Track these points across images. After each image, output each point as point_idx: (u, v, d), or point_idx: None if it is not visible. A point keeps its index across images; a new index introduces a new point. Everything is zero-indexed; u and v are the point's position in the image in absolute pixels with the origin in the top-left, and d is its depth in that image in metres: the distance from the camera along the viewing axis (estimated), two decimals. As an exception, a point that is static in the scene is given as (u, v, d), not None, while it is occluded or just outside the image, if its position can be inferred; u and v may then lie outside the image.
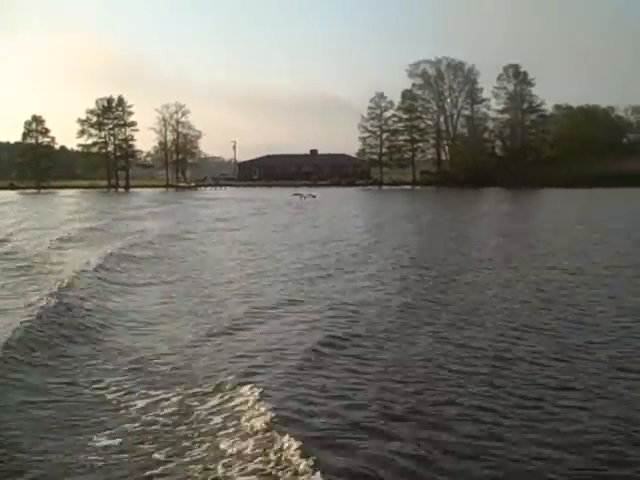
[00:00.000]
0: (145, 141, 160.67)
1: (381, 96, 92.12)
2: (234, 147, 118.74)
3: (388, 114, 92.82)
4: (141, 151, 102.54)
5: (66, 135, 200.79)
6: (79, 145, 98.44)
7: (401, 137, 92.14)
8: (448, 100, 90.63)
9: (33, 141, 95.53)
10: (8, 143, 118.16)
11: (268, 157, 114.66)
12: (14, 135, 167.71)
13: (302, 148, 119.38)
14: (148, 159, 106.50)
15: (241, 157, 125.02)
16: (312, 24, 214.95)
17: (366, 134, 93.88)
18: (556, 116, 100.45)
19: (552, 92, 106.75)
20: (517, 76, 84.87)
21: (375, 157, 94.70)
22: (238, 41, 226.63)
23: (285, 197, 53.49)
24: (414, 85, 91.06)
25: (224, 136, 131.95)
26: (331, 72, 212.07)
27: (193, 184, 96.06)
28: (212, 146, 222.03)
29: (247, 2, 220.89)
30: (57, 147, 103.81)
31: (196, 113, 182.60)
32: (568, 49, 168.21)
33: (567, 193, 59.05)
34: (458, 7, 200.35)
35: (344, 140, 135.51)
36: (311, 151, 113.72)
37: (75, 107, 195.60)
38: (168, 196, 68.13)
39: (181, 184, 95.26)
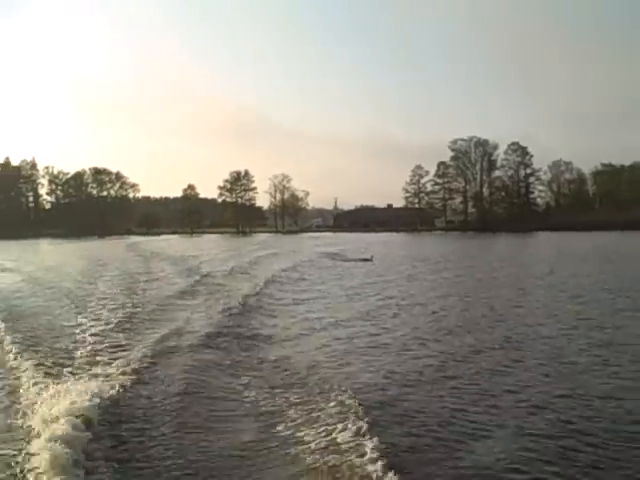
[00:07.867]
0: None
1: (419, 167, 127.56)
2: (335, 201, 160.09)
3: (425, 180, 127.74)
4: (261, 207, 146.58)
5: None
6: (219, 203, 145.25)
7: (435, 196, 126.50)
8: (477, 167, 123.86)
9: (188, 201, 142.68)
10: (167, 198, 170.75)
11: (356, 209, 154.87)
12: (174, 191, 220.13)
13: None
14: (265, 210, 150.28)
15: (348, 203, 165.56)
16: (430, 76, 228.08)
17: (407, 194, 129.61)
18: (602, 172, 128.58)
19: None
20: (517, 151, 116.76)
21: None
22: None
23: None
24: (451, 157, 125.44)
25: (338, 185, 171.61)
26: (448, 123, 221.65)
27: (286, 229, 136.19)
28: (322, 196, 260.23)
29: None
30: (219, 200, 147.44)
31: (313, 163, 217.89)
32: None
33: (549, 236, 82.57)
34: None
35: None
36: (388, 205, 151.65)
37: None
38: (273, 237, 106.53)
39: (284, 229, 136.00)
